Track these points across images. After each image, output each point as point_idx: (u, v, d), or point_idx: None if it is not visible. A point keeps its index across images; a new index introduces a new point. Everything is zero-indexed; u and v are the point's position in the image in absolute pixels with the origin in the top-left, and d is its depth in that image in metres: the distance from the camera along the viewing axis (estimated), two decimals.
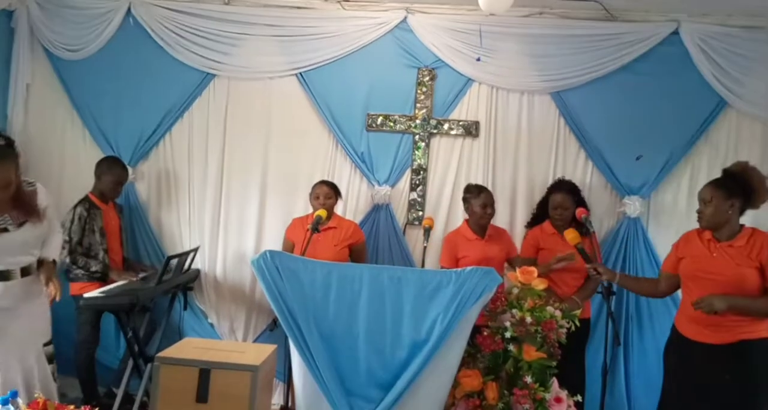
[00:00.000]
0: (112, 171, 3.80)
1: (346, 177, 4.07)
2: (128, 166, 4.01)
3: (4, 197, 2.47)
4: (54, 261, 2.74)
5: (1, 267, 2.53)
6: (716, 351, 2.64)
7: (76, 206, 3.69)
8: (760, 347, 2.59)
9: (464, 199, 3.61)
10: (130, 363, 3.49)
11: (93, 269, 3.60)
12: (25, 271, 2.61)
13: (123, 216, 4.03)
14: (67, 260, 3.60)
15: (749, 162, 2.80)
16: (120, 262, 3.90)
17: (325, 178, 3.97)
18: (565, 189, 3.61)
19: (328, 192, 3.72)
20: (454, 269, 2.50)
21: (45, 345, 2.74)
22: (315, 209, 3.64)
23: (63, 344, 3.76)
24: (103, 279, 3.61)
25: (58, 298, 2.66)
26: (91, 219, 3.69)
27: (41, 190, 2.69)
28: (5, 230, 2.50)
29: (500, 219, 3.99)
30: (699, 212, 2.77)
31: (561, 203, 3.54)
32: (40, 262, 2.70)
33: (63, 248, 3.53)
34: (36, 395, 1.97)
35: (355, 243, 3.74)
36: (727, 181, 2.74)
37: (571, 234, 3.13)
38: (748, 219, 3.68)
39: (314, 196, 3.71)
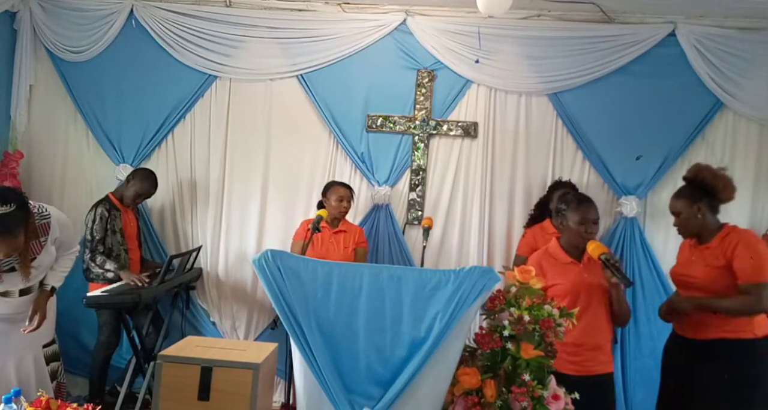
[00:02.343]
0: (143, 183, 3.83)
1: (347, 177, 4.09)
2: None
3: (10, 256, 2.50)
4: (53, 289, 2.75)
5: (1, 289, 2.58)
6: (698, 347, 2.68)
7: (96, 206, 3.73)
8: (737, 347, 2.60)
9: (558, 211, 2.89)
10: (133, 361, 3.52)
11: (107, 267, 3.62)
12: (23, 292, 2.65)
13: (140, 217, 4.07)
14: (87, 257, 3.62)
15: (701, 162, 2.89)
16: (138, 262, 3.93)
17: (326, 178, 4.02)
18: (566, 187, 3.67)
19: (349, 195, 3.76)
20: (453, 268, 2.52)
21: (47, 345, 2.77)
22: (334, 210, 3.67)
23: (69, 343, 3.83)
24: (116, 280, 3.61)
25: (34, 330, 2.65)
26: (111, 219, 3.72)
27: (55, 219, 2.65)
28: (12, 269, 2.55)
29: (498, 220, 4.04)
30: (675, 225, 2.83)
31: None
32: (41, 282, 2.73)
33: (86, 247, 3.56)
34: (39, 393, 1.99)
35: (357, 246, 3.78)
36: (687, 188, 2.79)
37: (593, 245, 2.64)
38: (745, 216, 3.75)
39: (336, 198, 3.71)
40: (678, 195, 2.81)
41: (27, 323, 2.63)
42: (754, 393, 2.60)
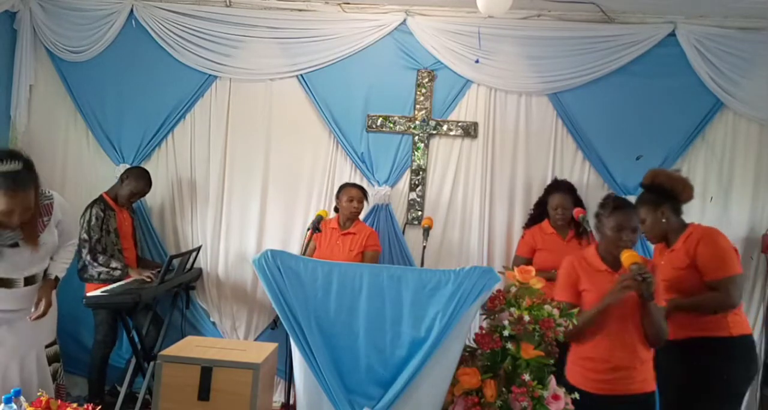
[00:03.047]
0: (138, 181, 3.85)
1: (347, 177, 4.09)
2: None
3: (24, 219, 2.46)
4: (56, 278, 2.74)
5: (5, 275, 2.55)
6: (679, 347, 2.71)
7: (91, 206, 3.73)
8: (714, 345, 2.64)
9: (597, 216, 2.61)
10: (133, 361, 3.52)
11: (113, 265, 3.62)
12: (28, 281, 2.62)
13: (136, 217, 4.07)
14: (88, 258, 3.62)
15: (656, 168, 2.96)
16: (134, 261, 3.93)
17: (326, 178, 4.01)
18: (563, 188, 3.66)
19: (360, 196, 3.77)
20: (453, 268, 2.52)
21: (48, 346, 2.77)
22: (345, 210, 3.70)
23: (69, 343, 3.83)
24: (120, 278, 3.61)
25: (38, 319, 2.62)
26: (106, 219, 3.72)
27: (58, 202, 2.66)
28: (16, 245, 2.53)
29: (498, 220, 4.03)
30: (642, 233, 2.81)
31: (561, 203, 3.59)
32: (44, 275, 2.71)
33: (83, 248, 3.56)
34: (39, 393, 1.99)
35: (366, 249, 3.76)
36: (646, 194, 2.84)
37: (626, 253, 2.39)
38: (745, 216, 3.75)
39: (347, 199, 3.74)
40: (639, 202, 2.84)
41: (33, 309, 2.61)
42: (723, 391, 2.63)
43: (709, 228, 2.77)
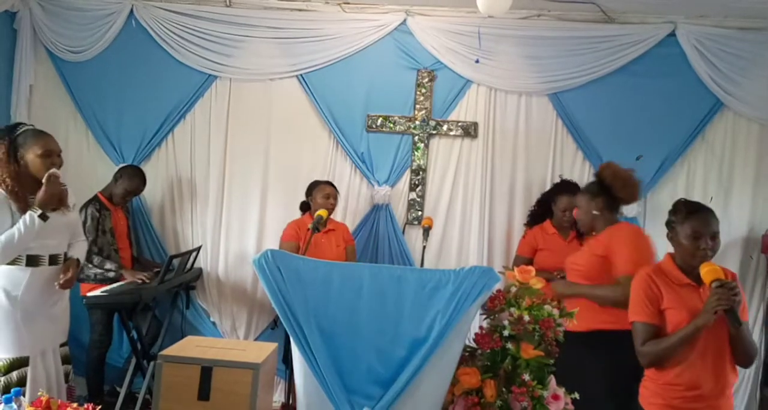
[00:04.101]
0: (132, 180, 3.85)
1: (346, 177, 4.10)
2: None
3: (58, 162, 2.61)
4: (78, 260, 2.78)
5: (31, 251, 2.57)
6: (580, 338, 2.62)
7: (86, 206, 3.72)
8: (617, 338, 2.56)
9: (669, 224, 2.34)
10: (133, 361, 3.52)
11: (107, 266, 3.62)
12: (52, 259, 2.64)
13: (131, 216, 4.07)
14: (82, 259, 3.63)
15: (612, 162, 2.96)
16: (129, 261, 3.93)
17: (326, 179, 4.02)
18: (572, 191, 3.63)
19: (335, 192, 3.79)
20: (453, 268, 2.52)
21: (61, 345, 2.78)
22: (324, 208, 3.69)
23: (69, 343, 3.82)
24: (116, 279, 3.61)
25: (66, 285, 2.67)
26: (102, 219, 3.72)
27: (68, 189, 2.75)
28: (45, 216, 2.55)
29: (498, 220, 4.03)
30: (574, 217, 2.97)
31: (569, 205, 3.56)
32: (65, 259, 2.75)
33: None
34: (39, 393, 1.99)
35: (347, 244, 3.83)
36: (592, 183, 2.91)
37: (706, 268, 2.13)
38: (745, 216, 3.75)
39: (323, 196, 3.73)
40: (583, 188, 2.96)
41: (61, 275, 2.65)
42: (635, 383, 2.59)
43: (636, 228, 2.87)
